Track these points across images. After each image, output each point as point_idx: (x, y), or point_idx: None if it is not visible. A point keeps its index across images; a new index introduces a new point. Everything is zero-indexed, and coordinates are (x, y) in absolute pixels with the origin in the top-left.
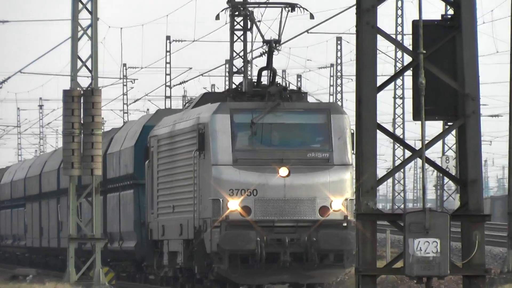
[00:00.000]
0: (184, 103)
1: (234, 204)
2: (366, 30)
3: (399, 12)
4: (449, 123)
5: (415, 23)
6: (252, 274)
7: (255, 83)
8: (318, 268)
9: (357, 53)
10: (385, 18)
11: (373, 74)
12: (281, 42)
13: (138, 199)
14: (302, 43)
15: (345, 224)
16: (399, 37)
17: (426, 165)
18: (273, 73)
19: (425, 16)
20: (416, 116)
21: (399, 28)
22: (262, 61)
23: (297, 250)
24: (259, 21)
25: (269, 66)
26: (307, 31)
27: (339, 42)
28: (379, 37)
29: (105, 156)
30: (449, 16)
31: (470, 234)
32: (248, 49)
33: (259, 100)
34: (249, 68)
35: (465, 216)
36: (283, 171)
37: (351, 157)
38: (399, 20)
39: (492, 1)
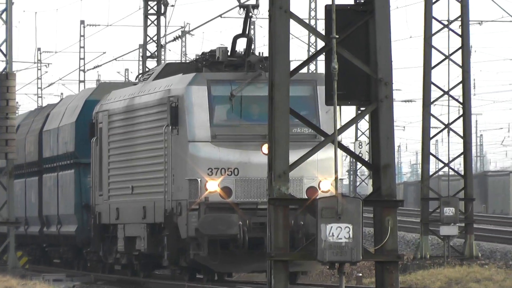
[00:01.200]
0: (137, 76)
1: (213, 185)
2: (279, 14)
3: None
4: (361, 108)
5: (327, 8)
6: (234, 262)
7: (229, 52)
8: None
9: (270, 37)
10: (298, 2)
11: (286, 58)
12: (258, 7)
13: (79, 180)
14: (215, 27)
15: None
16: (312, 22)
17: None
18: (250, 41)
19: (338, 1)
20: (328, 101)
21: (313, 13)
22: (175, 46)
23: None
24: (172, 5)
25: (245, 33)
26: (220, 15)
27: (252, 26)
28: (292, 21)
29: (40, 134)
30: (362, 1)
31: (383, 220)
32: (162, 34)
33: (238, 71)
34: (162, 53)
35: (378, 202)
36: (266, 148)
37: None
38: (313, 4)
39: None
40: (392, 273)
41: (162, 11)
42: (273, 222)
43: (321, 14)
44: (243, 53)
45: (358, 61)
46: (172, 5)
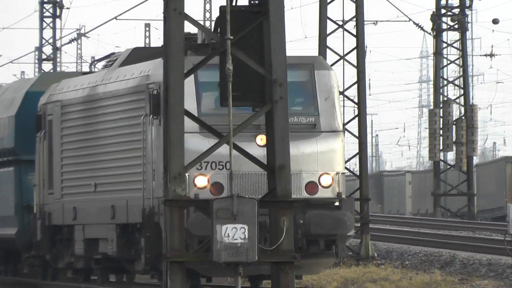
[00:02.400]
0: (92, 61)
1: (202, 180)
2: (174, 16)
3: None
4: (257, 109)
5: (222, 9)
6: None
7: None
8: (305, 257)
9: (165, 39)
10: (193, 4)
11: (181, 60)
12: None
13: (20, 179)
14: (110, 29)
15: (337, 204)
16: (208, 24)
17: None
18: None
19: (234, 2)
20: (223, 102)
21: (208, 15)
22: (71, 48)
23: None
24: (68, 8)
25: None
26: (115, 17)
27: (147, 28)
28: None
29: None
30: (257, 2)
31: (278, 220)
32: (58, 36)
33: None
34: (58, 55)
35: (273, 202)
36: (261, 139)
37: (341, 122)
38: (208, 6)
39: None
40: (288, 273)
41: (58, 14)
42: (169, 224)
43: (216, 15)
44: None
45: (252, 62)
46: (68, 8)
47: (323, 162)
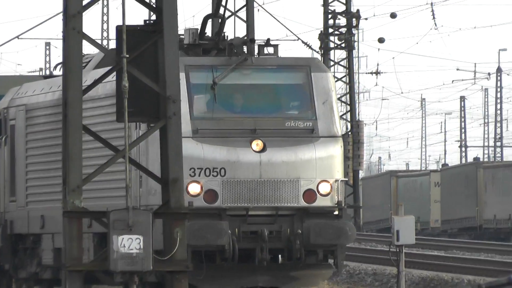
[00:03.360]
0: (56, 65)
1: (196, 187)
2: (72, 35)
3: (105, 18)
4: (151, 124)
5: (118, 28)
6: (221, 277)
7: (200, 34)
8: (303, 268)
9: (64, 57)
10: (91, 23)
11: (79, 77)
12: None
13: None
14: (12, 48)
15: (336, 212)
16: (105, 42)
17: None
18: (223, 21)
19: (130, 22)
20: (120, 118)
21: (105, 34)
22: None
23: (277, 246)
24: None
25: (217, 13)
26: (17, 36)
27: (47, 47)
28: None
29: None
30: (152, 22)
31: (172, 231)
32: None
33: (218, 55)
34: None
35: (167, 214)
36: (258, 144)
37: (340, 127)
38: (105, 25)
39: (194, 7)
40: (181, 282)
41: None
42: (68, 234)
43: (113, 34)
44: (213, 36)
45: (147, 79)
46: None
47: (321, 169)
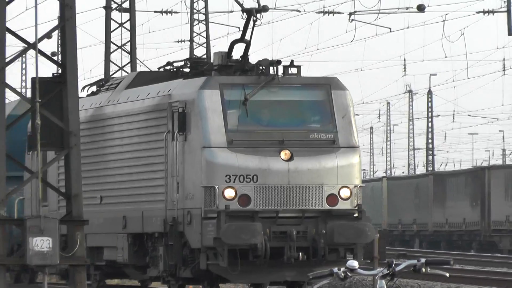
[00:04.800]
0: (83, 87)
1: (231, 192)
2: None
3: (23, 71)
4: (57, 153)
5: (33, 80)
6: (253, 272)
7: (228, 57)
8: (325, 265)
9: None
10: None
11: (2, 117)
12: (265, 10)
13: None
14: None
15: (356, 215)
16: (24, 90)
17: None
18: (248, 45)
19: (42, 74)
20: (33, 148)
21: (24, 84)
22: None
23: (304, 244)
24: None
25: (243, 38)
26: None
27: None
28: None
29: None
30: (58, 74)
31: (73, 234)
32: None
33: (248, 75)
34: None
35: (70, 221)
36: (286, 154)
37: (357, 139)
38: (24, 77)
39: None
40: (81, 273)
41: None
42: None
43: (30, 84)
44: (241, 58)
45: (55, 118)
46: None
47: (342, 176)
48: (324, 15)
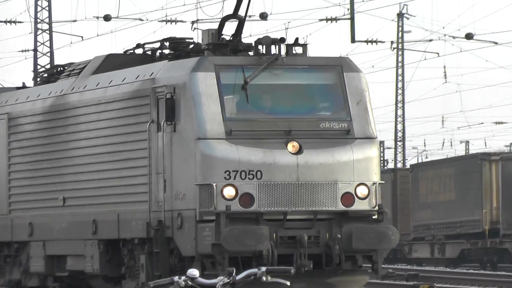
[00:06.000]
0: (36, 74)
1: (231, 191)
2: None
3: None
4: None
5: None
6: (257, 284)
7: (216, 36)
8: (342, 274)
9: None
10: None
11: None
12: None
13: None
14: None
15: (375, 216)
16: None
17: None
18: (241, 22)
19: None
20: None
21: None
22: None
23: (315, 251)
24: None
25: (236, 14)
26: None
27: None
28: None
29: None
30: None
31: None
32: None
33: (245, 55)
34: None
35: None
36: (294, 146)
37: (375, 128)
38: None
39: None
40: None
41: None
42: None
43: None
44: (232, 37)
45: None
46: None
47: (359, 171)
48: (167, 23)
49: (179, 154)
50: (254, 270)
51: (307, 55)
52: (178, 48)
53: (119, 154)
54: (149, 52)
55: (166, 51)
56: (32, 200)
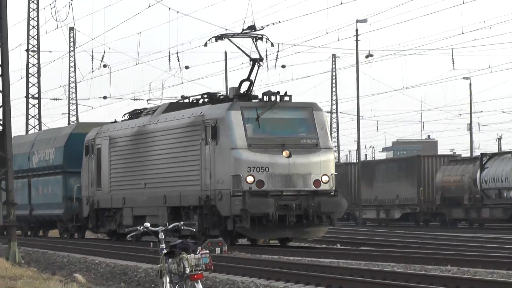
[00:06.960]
0: (124, 114)
1: (251, 179)
2: None
3: None
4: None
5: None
6: (266, 231)
7: (238, 91)
8: (314, 226)
9: None
10: None
11: None
12: (263, 60)
13: (66, 181)
14: None
15: (332, 193)
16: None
17: None
18: (251, 83)
19: None
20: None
21: None
22: None
23: (299, 213)
24: None
25: (249, 78)
26: None
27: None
28: None
29: (29, 152)
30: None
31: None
32: None
33: (259, 101)
34: None
35: (10, 204)
36: (286, 153)
37: (331, 143)
38: None
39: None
40: (13, 229)
41: None
42: None
43: None
44: (246, 91)
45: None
46: None
47: (323, 167)
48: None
49: (219, 158)
50: (178, 223)
51: (291, 100)
52: (213, 98)
53: (182, 158)
54: (194, 101)
55: (206, 100)
56: (124, 185)
